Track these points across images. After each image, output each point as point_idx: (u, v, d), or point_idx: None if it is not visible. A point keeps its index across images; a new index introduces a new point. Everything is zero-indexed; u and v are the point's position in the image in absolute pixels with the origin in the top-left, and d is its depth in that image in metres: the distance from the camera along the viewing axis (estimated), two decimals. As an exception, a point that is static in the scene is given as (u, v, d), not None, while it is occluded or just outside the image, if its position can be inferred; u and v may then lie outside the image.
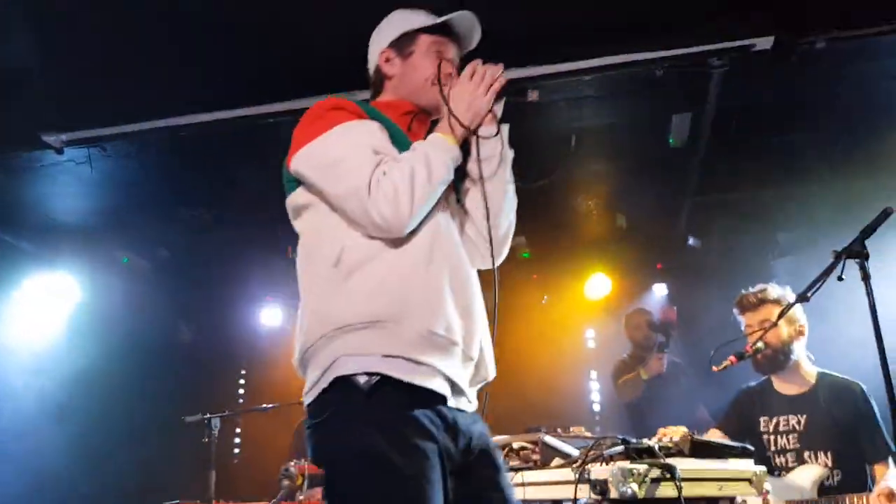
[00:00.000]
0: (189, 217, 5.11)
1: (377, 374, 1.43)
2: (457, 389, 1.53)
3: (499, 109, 1.72)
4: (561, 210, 5.04)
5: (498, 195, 1.72)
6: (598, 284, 5.44)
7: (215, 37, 3.33)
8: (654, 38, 3.38)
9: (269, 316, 6.04)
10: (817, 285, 2.57)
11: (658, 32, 3.35)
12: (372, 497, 1.38)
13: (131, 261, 5.68)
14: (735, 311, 3.24)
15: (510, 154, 1.75)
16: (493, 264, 1.69)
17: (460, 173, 1.71)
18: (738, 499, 2.01)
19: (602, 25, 3.34)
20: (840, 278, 2.37)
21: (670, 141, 4.21)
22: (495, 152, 1.72)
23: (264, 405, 4.02)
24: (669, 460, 1.80)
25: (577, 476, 1.89)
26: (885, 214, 2.39)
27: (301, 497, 3.20)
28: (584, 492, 1.85)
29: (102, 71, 3.57)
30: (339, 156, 1.53)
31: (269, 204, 4.86)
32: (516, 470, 2.20)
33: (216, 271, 5.70)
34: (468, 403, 1.59)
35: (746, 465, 1.99)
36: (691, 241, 5.32)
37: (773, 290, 3.15)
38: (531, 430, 2.84)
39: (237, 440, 6.05)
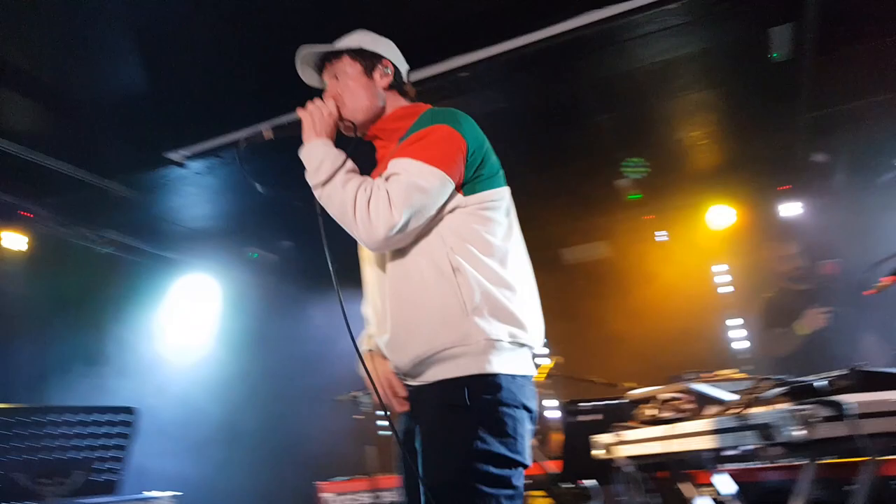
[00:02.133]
0: (304, 210, 5.32)
1: None
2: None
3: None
4: (667, 145, 4.89)
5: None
6: (720, 215, 5.22)
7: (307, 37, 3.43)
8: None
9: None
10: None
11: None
12: None
13: (260, 255, 6.05)
14: None
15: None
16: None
17: None
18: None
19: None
20: None
21: (773, 56, 3.96)
22: None
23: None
24: (837, 397, 1.73)
25: (738, 423, 1.86)
26: None
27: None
28: (748, 439, 1.82)
29: (213, 84, 3.78)
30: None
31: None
32: (669, 422, 2.19)
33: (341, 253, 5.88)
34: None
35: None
36: (815, 157, 5.01)
37: None
38: (674, 379, 2.81)
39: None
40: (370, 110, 1.90)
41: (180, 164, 4.48)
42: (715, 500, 2.41)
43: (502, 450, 1.60)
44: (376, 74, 1.91)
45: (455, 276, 1.66)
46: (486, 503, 1.57)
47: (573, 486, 3.17)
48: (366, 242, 1.71)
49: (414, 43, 3.55)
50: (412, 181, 1.65)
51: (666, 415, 2.25)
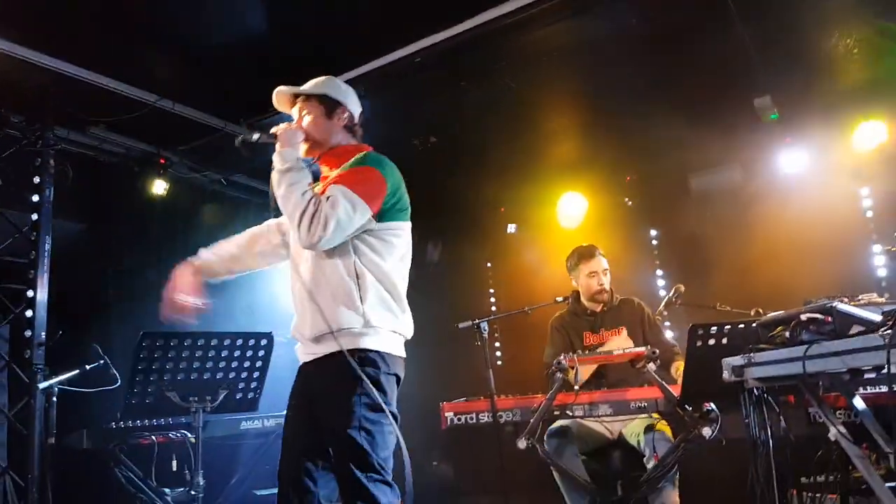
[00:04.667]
0: (419, 146, 5.39)
1: None
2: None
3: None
4: (814, 58, 4.44)
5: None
6: (869, 133, 4.72)
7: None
8: None
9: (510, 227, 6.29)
10: None
11: None
12: None
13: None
14: None
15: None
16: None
17: None
18: None
19: None
20: None
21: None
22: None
23: (524, 308, 4.20)
24: None
25: (887, 341, 1.74)
26: None
27: (577, 388, 3.34)
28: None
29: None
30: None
31: (490, 120, 5.03)
32: (810, 343, 2.08)
33: (450, 191, 5.94)
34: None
35: None
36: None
37: None
38: (810, 303, 2.64)
39: (497, 344, 6.43)
40: (325, 142, 2.54)
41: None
42: (845, 424, 2.28)
43: (378, 399, 2.27)
44: (335, 117, 2.56)
45: (357, 278, 2.32)
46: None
47: (693, 409, 3.10)
48: (302, 243, 2.29)
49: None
50: (345, 206, 2.25)
51: (806, 336, 2.13)
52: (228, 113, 5.03)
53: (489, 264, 6.70)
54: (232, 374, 3.84)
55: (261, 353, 3.91)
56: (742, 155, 5.31)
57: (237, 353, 3.83)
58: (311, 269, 2.38)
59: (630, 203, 5.87)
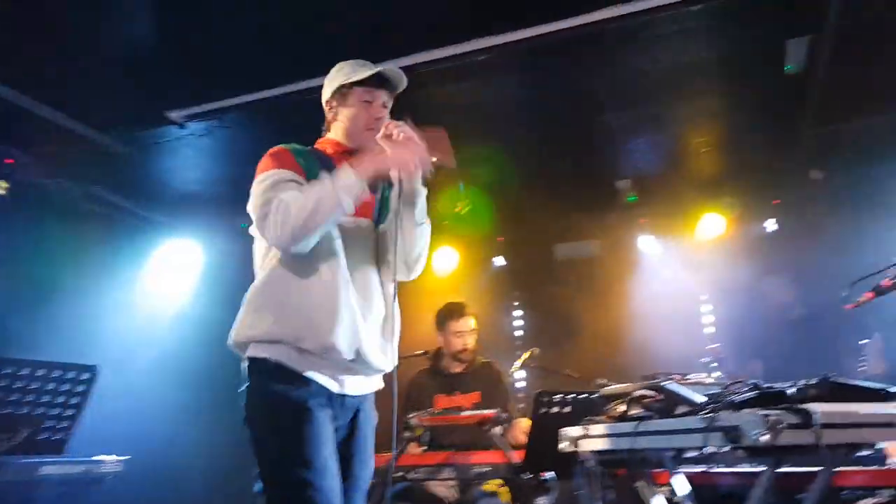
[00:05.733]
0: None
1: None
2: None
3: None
4: (671, 150, 4.87)
5: (409, 229, 2.15)
6: (712, 224, 5.23)
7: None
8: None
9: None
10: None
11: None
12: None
13: (248, 226, 5.99)
14: None
15: (421, 195, 2.15)
16: (394, 276, 2.14)
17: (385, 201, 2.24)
18: (881, 444, 1.92)
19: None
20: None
21: (787, 68, 3.95)
22: (412, 190, 2.13)
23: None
24: (806, 405, 1.73)
25: (706, 424, 1.85)
26: None
27: (422, 448, 3.31)
28: (714, 440, 1.82)
29: (219, 46, 3.72)
30: (253, 191, 2.05)
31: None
32: (639, 419, 2.18)
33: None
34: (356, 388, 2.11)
35: (890, 409, 1.89)
36: (813, 174, 5.01)
37: None
38: (647, 378, 2.80)
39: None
40: None
41: (180, 125, 4.42)
42: (669, 500, 2.41)
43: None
44: None
45: None
46: None
47: (532, 477, 3.16)
48: (415, 272, 2.28)
49: (430, 22, 3.57)
50: None
51: (635, 412, 2.24)
52: (96, 119, 4.70)
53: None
54: (39, 411, 3.34)
55: (79, 388, 3.45)
56: (602, 230, 5.69)
57: (50, 387, 3.36)
58: (392, 295, 2.18)
59: (498, 262, 6.07)
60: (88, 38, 3.83)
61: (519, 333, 6.07)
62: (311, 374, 1.99)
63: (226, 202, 5.69)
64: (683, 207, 5.32)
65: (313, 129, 4.54)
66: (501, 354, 5.43)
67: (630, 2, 3.38)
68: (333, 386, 2.03)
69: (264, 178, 2.02)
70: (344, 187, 1.94)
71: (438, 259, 5.95)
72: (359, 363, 2.04)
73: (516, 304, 6.18)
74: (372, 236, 2.20)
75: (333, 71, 2.27)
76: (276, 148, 2.11)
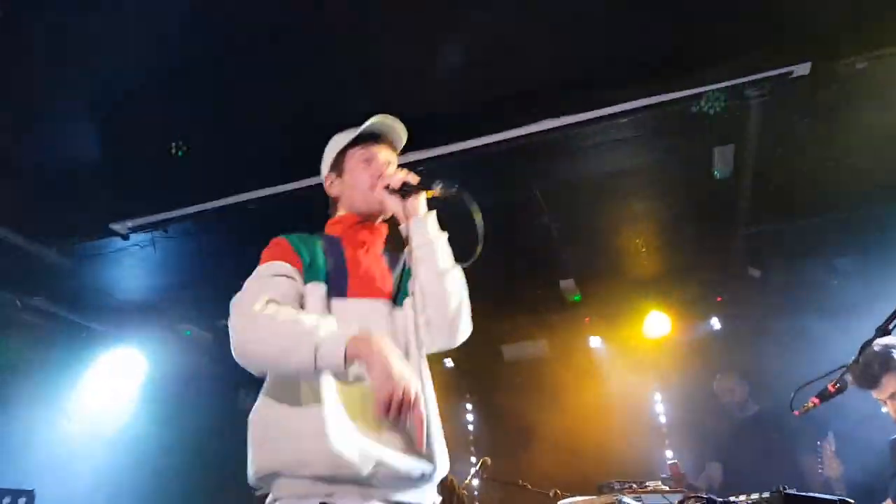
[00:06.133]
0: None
1: None
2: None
3: (415, 203, 1.91)
4: (611, 251, 5.01)
5: (431, 281, 1.86)
6: (657, 323, 5.32)
7: (263, 114, 3.49)
8: (687, 76, 3.39)
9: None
10: (896, 318, 2.45)
11: (691, 70, 3.36)
12: None
13: (193, 333, 5.87)
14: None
15: (437, 241, 1.89)
16: (419, 346, 1.83)
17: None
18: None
19: (632, 69, 3.37)
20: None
21: (715, 174, 4.16)
22: (424, 240, 1.89)
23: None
24: None
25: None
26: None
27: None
28: None
29: (160, 159, 3.77)
30: (247, 286, 1.78)
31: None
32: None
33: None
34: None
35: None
36: (751, 271, 5.19)
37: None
38: (603, 487, 2.75)
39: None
40: None
41: (123, 236, 4.41)
42: None
43: None
44: None
45: None
46: None
47: None
48: (456, 340, 1.93)
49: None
50: None
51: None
52: (35, 230, 4.63)
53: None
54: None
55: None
56: (550, 330, 5.72)
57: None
58: (426, 384, 1.86)
59: (449, 364, 6.02)
60: (29, 151, 3.85)
61: (472, 437, 5.93)
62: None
63: (169, 311, 5.60)
64: (628, 307, 5.41)
65: (258, 239, 4.59)
66: (456, 460, 5.28)
67: (564, 116, 3.57)
68: None
69: (256, 272, 1.83)
70: (324, 356, 1.60)
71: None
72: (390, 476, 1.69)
73: (468, 406, 6.07)
74: (389, 318, 1.87)
75: (326, 149, 2.11)
76: (275, 239, 1.92)
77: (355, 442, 1.65)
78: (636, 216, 4.67)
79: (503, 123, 3.66)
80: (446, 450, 1.84)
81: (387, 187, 1.91)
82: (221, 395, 5.95)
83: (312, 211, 4.12)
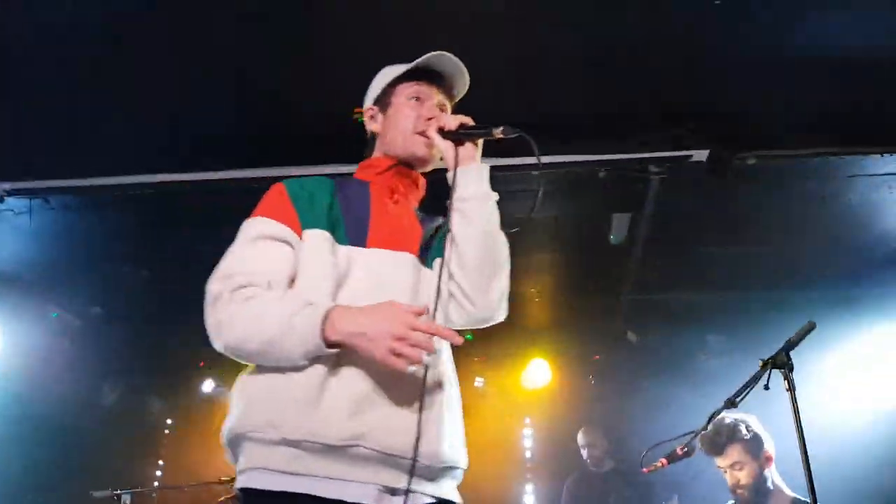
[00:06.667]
0: (129, 276, 4.99)
1: None
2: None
3: (470, 150, 1.64)
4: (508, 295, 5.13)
5: (470, 240, 1.58)
6: (538, 370, 5.48)
7: (177, 96, 3.36)
8: (598, 144, 3.56)
9: (206, 385, 5.86)
10: (745, 392, 2.63)
11: (602, 138, 3.54)
12: None
13: (61, 316, 5.48)
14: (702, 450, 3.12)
15: (486, 197, 1.62)
16: (435, 309, 1.50)
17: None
18: None
19: (552, 127, 3.50)
20: (766, 387, 2.45)
21: (611, 238, 4.37)
22: (470, 193, 1.60)
23: (184, 484, 3.82)
24: None
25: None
26: (809, 329, 2.50)
27: None
28: None
29: (53, 123, 3.54)
30: (230, 249, 1.53)
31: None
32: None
33: (153, 335, 5.50)
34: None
35: None
36: (629, 335, 5.44)
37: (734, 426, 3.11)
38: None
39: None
40: None
41: (-1, 198, 4.08)
42: None
43: None
44: None
45: None
46: None
47: None
48: (488, 311, 1.65)
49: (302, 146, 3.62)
50: None
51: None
52: None
53: (169, 421, 6.09)
54: None
55: None
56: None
57: None
58: (445, 362, 1.57)
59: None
60: None
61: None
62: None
63: (37, 287, 5.20)
64: (514, 351, 5.53)
65: (149, 228, 4.38)
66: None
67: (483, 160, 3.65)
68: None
69: (244, 227, 1.55)
70: (299, 338, 1.36)
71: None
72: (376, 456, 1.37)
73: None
74: (415, 274, 1.58)
75: (375, 78, 1.82)
76: (274, 184, 1.61)
77: (343, 407, 1.37)
78: (535, 266, 4.81)
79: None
80: (462, 442, 1.55)
81: (441, 129, 1.62)
82: (83, 387, 5.57)
83: (218, 206, 4.07)
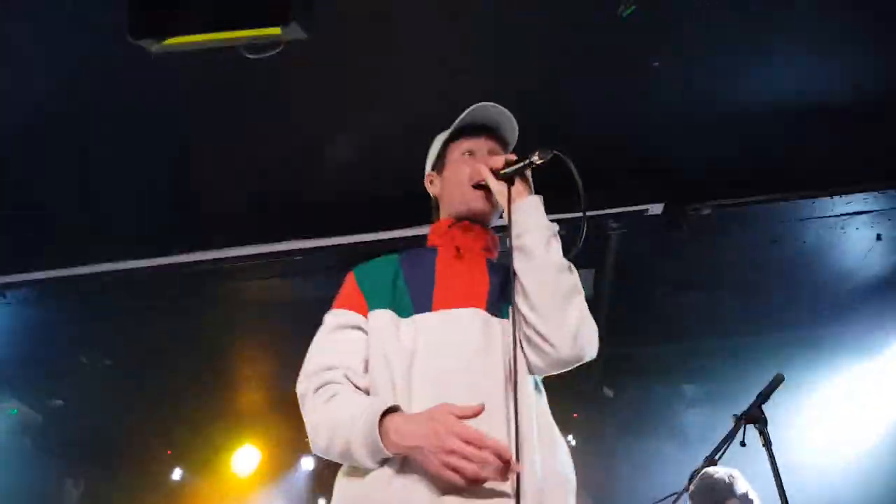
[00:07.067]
0: (88, 367, 4.86)
1: None
2: None
3: (521, 186, 1.60)
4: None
5: (535, 278, 1.49)
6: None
7: (125, 188, 3.36)
8: (556, 201, 3.61)
9: (175, 473, 5.76)
10: (723, 449, 2.61)
11: (560, 195, 3.59)
12: None
13: (20, 412, 5.29)
14: None
15: (544, 229, 1.54)
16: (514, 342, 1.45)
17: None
18: None
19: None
20: (742, 444, 2.43)
21: (578, 295, 4.37)
22: (527, 227, 1.53)
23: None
24: None
25: None
26: (777, 381, 2.51)
27: None
28: None
29: (6, 219, 3.51)
30: (312, 342, 1.57)
31: (173, 354, 4.76)
32: None
33: (116, 425, 5.34)
34: None
35: None
36: (605, 390, 5.40)
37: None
38: None
39: None
40: None
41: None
42: None
43: None
44: None
45: None
46: None
47: None
48: (566, 352, 1.49)
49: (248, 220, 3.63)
50: None
51: None
52: None
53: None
54: None
55: None
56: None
57: None
58: (529, 395, 1.49)
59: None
60: None
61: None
62: None
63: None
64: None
65: (106, 317, 4.30)
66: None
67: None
68: None
69: (324, 320, 1.58)
70: (367, 452, 1.34)
71: (241, 456, 5.70)
72: None
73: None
74: (485, 329, 1.50)
75: (432, 145, 1.85)
76: (349, 272, 1.65)
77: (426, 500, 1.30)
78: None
79: (384, 223, 3.71)
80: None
81: (492, 171, 1.60)
82: (44, 484, 5.33)
83: (176, 292, 4.02)
